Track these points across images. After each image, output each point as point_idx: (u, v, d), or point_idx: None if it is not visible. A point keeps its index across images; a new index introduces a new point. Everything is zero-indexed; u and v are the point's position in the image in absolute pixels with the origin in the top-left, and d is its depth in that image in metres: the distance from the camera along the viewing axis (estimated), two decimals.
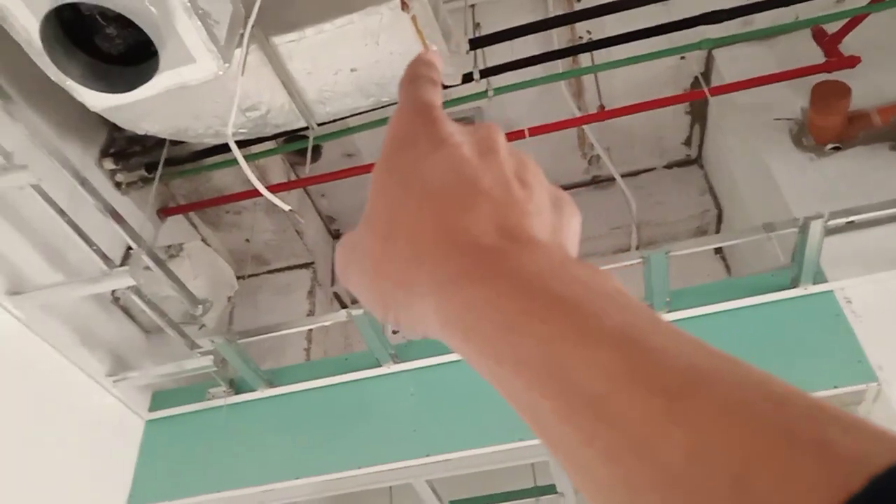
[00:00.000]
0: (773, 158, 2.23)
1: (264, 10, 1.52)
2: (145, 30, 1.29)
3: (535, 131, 2.27)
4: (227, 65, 1.45)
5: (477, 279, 0.25)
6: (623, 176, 2.93)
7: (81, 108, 1.61)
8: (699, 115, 2.97)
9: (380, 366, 2.01)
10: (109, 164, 2.19)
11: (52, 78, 1.48)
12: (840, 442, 0.17)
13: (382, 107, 2.02)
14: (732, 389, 0.19)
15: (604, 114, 2.39)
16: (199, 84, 1.47)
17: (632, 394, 0.20)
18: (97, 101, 1.43)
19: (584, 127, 2.83)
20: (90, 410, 1.96)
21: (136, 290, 1.78)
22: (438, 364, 2.01)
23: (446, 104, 2.30)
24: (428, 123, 0.32)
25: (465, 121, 2.15)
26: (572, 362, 0.21)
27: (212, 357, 1.91)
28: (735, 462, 0.18)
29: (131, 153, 2.21)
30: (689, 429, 0.19)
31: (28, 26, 1.30)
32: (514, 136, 2.27)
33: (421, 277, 0.27)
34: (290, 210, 1.42)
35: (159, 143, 2.19)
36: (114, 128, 2.28)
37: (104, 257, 1.89)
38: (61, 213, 1.70)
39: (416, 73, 0.36)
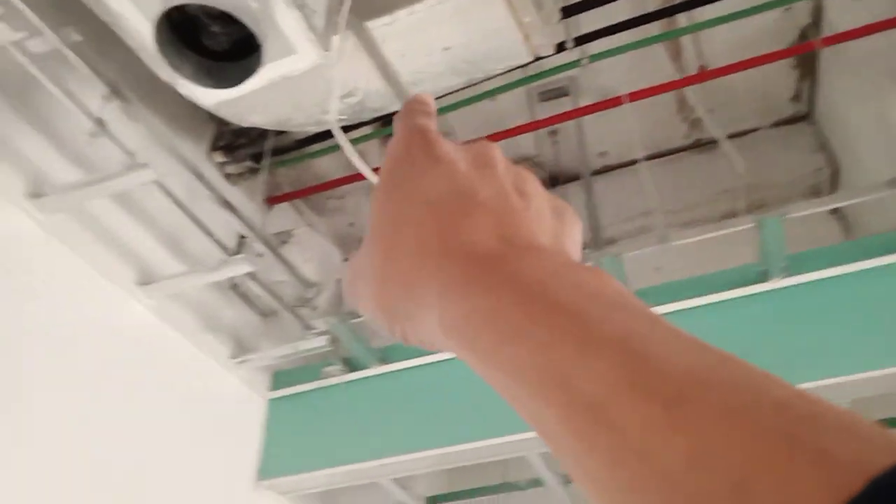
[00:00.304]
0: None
1: None
2: (248, 25, 1.34)
3: (633, 97, 2.22)
4: (326, 53, 1.49)
5: (477, 288, 0.26)
6: (728, 137, 2.81)
7: (189, 105, 1.70)
8: (808, 68, 2.81)
9: None
10: (219, 157, 2.30)
11: (164, 78, 1.56)
12: (840, 445, 0.17)
13: (475, 84, 2.03)
14: (731, 394, 0.19)
15: (704, 74, 2.30)
16: (300, 74, 1.52)
17: (631, 400, 0.20)
18: (207, 97, 1.50)
19: (685, 89, 2.73)
20: (216, 392, 2.08)
21: (253, 276, 1.87)
22: None
23: (539, 76, 2.27)
24: (424, 144, 0.33)
25: (558, 91, 2.13)
26: (572, 370, 0.22)
27: (326, 337, 1.98)
28: (735, 467, 0.18)
29: (238, 145, 2.31)
30: (688, 434, 0.19)
31: (141, 30, 1.38)
32: (611, 102, 2.23)
33: (424, 290, 0.28)
34: None
35: (263, 134, 2.28)
36: (220, 122, 2.39)
37: (221, 246, 1.99)
38: (181, 206, 1.81)
39: (411, 108, 0.38)
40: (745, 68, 2.16)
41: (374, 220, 0.31)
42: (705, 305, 1.90)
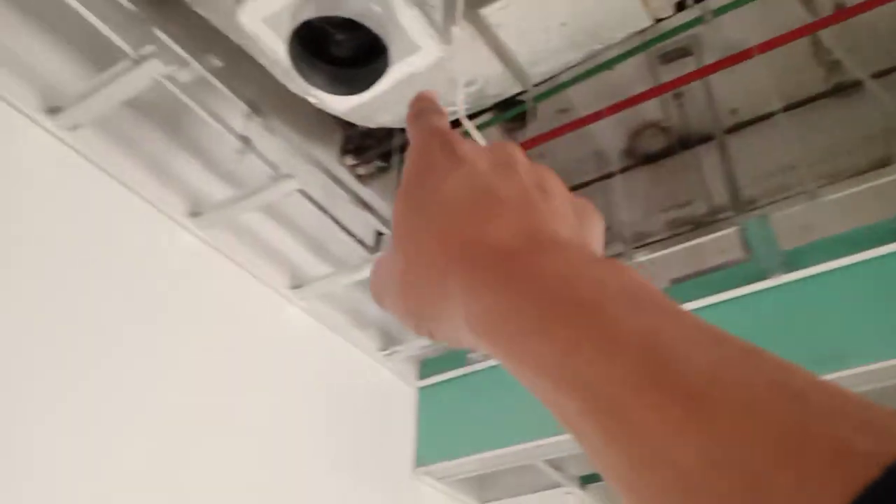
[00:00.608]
0: None
1: None
2: (373, 29, 1.39)
3: (763, 47, 2.10)
4: (448, 46, 1.51)
5: (500, 284, 0.26)
6: (871, 77, 2.60)
7: (318, 114, 1.77)
8: None
9: None
10: (350, 160, 2.39)
11: (295, 91, 1.64)
12: (857, 435, 0.17)
13: (594, 56, 1.99)
14: (749, 389, 0.19)
15: (841, 13, 2.14)
16: (424, 70, 1.55)
17: (650, 399, 0.20)
18: (340, 104, 1.56)
19: (819, 32, 2.54)
20: (369, 384, 2.17)
21: None
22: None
23: (659, 38, 2.19)
24: (444, 146, 0.33)
25: (680, 51, 2.04)
26: (592, 368, 0.22)
27: None
28: (750, 464, 0.18)
29: (366, 147, 2.39)
30: (705, 433, 0.19)
31: (275, 48, 1.46)
32: (741, 56, 2.12)
33: (448, 290, 0.28)
34: None
35: (389, 133, 2.34)
36: (347, 126, 2.48)
37: (362, 244, 2.08)
38: (323, 210, 1.90)
39: (421, 108, 0.38)
40: (886, 2, 1.99)
41: (398, 224, 0.32)
42: (867, 261, 1.78)
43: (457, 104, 1.54)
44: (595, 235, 0.32)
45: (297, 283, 1.92)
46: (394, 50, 1.45)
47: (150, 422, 1.45)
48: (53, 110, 1.44)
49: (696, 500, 0.18)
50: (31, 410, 1.24)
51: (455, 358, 2.27)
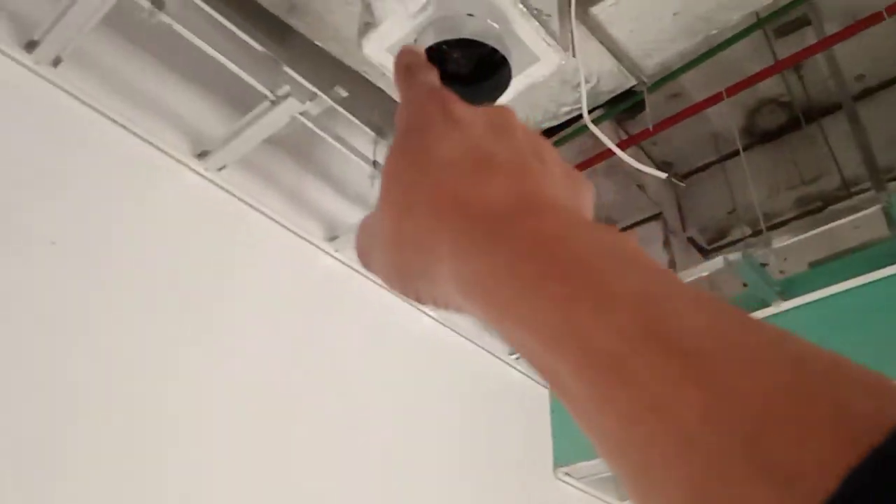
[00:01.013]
0: None
1: None
2: (494, 45, 1.41)
3: (893, 10, 1.98)
4: (567, 53, 1.51)
5: (494, 244, 0.25)
6: None
7: None
8: None
9: (768, 305, 1.94)
10: None
11: None
12: (858, 399, 0.17)
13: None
14: (748, 349, 0.19)
15: None
16: (544, 79, 1.57)
17: (647, 354, 0.20)
18: None
19: None
20: (502, 386, 2.21)
21: None
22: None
23: (776, 13, 2.11)
24: (440, 107, 0.32)
25: (797, 22, 1.96)
26: (589, 323, 0.21)
27: None
28: (749, 421, 0.17)
29: None
30: (703, 388, 0.19)
31: None
32: (868, 21, 2.01)
33: (438, 250, 0.27)
34: (667, 177, 1.44)
35: None
36: None
37: None
38: None
39: (408, 63, 0.37)
40: None
41: (388, 183, 0.31)
42: None
43: (582, 107, 1.54)
44: (587, 203, 0.32)
45: None
46: (514, 63, 1.47)
47: (281, 421, 1.53)
48: (202, 154, 1.55)
49: (692, 452, 0.18)
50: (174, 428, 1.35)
51: None
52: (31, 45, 1.31)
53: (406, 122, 0.32)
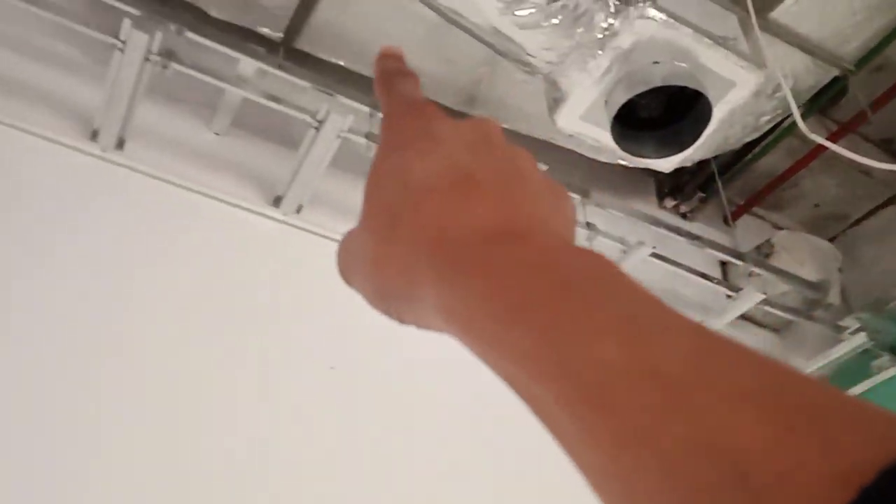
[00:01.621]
0: None
1: None
2: (687, 85, 1.40)
3: None
4: (764, 69, 1.46)
5: (475, 270, 0.25)
6: None
7: (624, 172, 1.81)
8: None
9: None
10: (670, 202, 2.38)
11: (625, 163, 1.71)
12: (848, 433, 0.17)
13: None
14: (734, 378, 0.19)
15: None
16: (745, 100, 1.52)
17: (632, 383, 0.19)
18: (670, 163, 1.58)
19: None
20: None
21: (765, 301, 1.86)
22: None
23: None
24: (419, 123, 0.31)
25: None
26: (573, 352, 0.21)
27: (865, 333, 1.85)
28: (735, 453, 0.17)
29: (682, 183, 2.36)
30: (689, 419, 0.18)
31: (598, 137, 1.53)
32: None
33: (420, 274, 0.27)
34: None
35: (702, 162, 2.29)
36: (652, 172, 2.49)
37: (711, 279, 2.03)
38: (666, 260, 1.90)
39: (387, 70, 0.36)
40: None
41: (371, 200, 0.30)
42: None
43: (794, 117, 1.47)
44: (569, 220, 0.31)
45: None
46: (711, 94, 1.44)
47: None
48: (276, 200, 1.65)
49: (676, 483, 0.18)
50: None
51: (854, 371, 2.08)
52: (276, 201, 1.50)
53: (386, 139, 0.32)
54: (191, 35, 1.33)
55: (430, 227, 0.27)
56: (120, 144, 1.49)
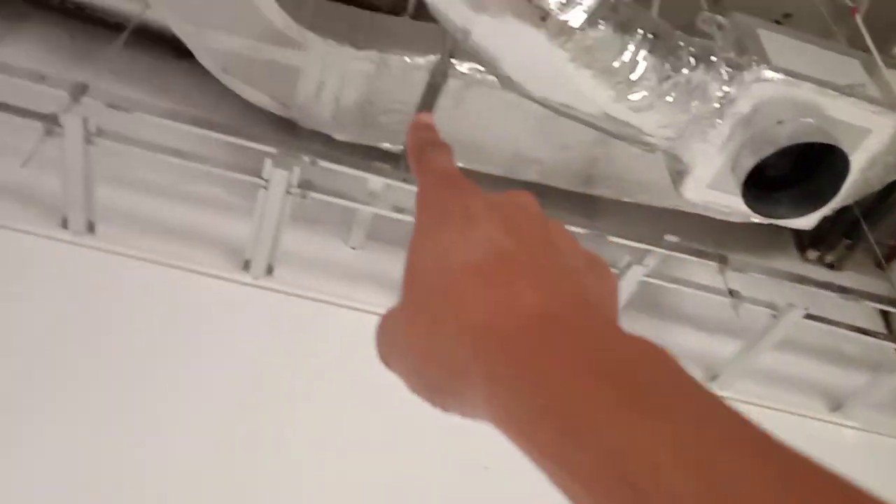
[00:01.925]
0: None
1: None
2: (819, 140, 1.34)
3: None
4: None
5: (527, 378, 0.24)
6: None
7: (761, 228, 1.76)
8: None
9: None
10: (813, 254, 2.25)
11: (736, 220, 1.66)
12: None
13: None
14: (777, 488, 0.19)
15: None
16: (884, 146, 1.44)
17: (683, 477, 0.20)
18: (811, 220, 1.51)
19: None
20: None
21: None
22: None
23: None
24: (456, 199, 0.31)
25: None
26: (642, 482, 0.20)
27: None
28: None
29: (824, 233, 2.24)
30: None
31: (729, 203, 1.49)
32: None
33: (472, 376, 0.26)
34: None
35: (844, 207, 2.18)
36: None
37: (875, 335, 1.88)
38: (819, 319, 1.78)
39: (422, 142, 0.35)
40: None
41: (409, 284, 0.30)
42: None
43: None
44: (611, 292, 0.31)
45: (836, 405, 1.80)
46: (845, 145, 1.38)
47: None
48: None
49: None
50: None
51: None
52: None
53: (422, 215, 0.32)
54: (323, 163, 1.43)
55: (475, 318, 0.27)
56: (269, 270, 1.61)
